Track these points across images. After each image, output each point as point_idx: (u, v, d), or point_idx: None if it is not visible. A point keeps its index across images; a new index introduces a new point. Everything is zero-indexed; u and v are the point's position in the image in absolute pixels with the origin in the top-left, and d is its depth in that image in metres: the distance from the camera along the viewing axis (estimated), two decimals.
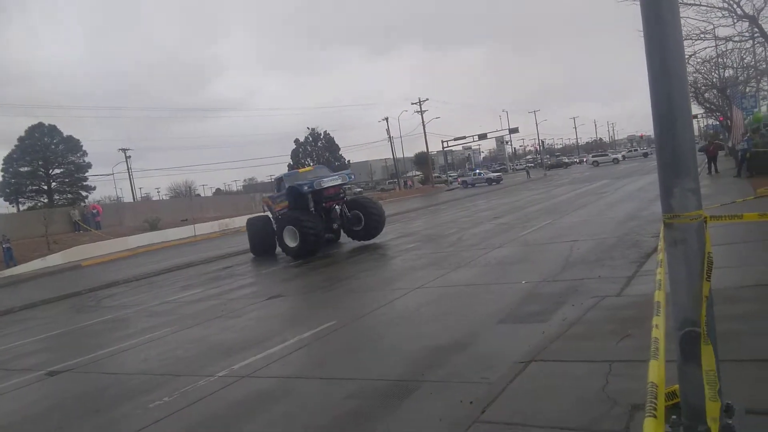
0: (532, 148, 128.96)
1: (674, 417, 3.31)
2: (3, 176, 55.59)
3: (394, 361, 6.35)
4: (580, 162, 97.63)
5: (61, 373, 8.14)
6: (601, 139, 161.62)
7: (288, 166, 74.49)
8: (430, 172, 78.74)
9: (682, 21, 19.00)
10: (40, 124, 57.17)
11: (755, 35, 21.55)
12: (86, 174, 59.95)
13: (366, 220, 18.70)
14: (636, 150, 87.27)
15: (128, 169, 61.78)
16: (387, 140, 76.06)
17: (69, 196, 58.30)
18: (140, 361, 8.20)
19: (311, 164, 78.16)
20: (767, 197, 11.36)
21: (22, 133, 56.48)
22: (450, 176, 78.67)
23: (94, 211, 43.51)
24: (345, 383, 5.86)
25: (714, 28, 20.07)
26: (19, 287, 22.79)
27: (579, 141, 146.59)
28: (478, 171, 70.77)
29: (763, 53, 26.62)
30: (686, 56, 20.94)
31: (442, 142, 74.90)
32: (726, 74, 30.44)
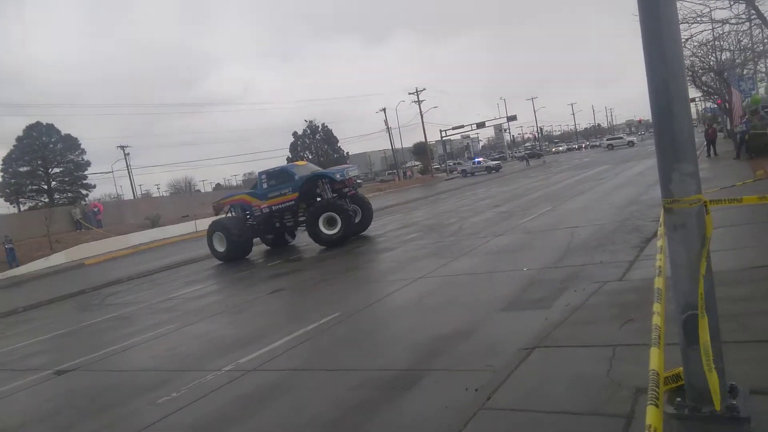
0: (530, 136, 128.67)
1: (679, 399, 3.35)
2: (3, 177, 55.59)
3: (399, 351, 6.40)
4: (579, 148, 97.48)
5: (68, 372, 8.19)
6: (599, 124, 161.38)
7: (287, 159, 74.37)
8: (429, 162, 78.65)
9: (679, 4, 18.95)
10: (38, 124, 57.10)
11: (752, 17, 21.42)
12: (86, 172, 59.97)
13: (363, 213, 19.33)
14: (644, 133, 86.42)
15: (127, 167, 61.77)
16: (385, 131, 76.00)
17: (69, 195, 58.30)
18: (147, 357, 8.26)
19: (310, 157, 78.11)
20: (766, 180, 11.39)
21: (20, 133, 56.44)
22: (450, 165, 78.54)
23: (95, 210, 43.56)
24: (351, 374, 5.91)
25: (711, 10, 19.94)
26: (22, 287, 22.85)
27: (577, 127, 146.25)
28: (477, 160, 70.67)
29: (760, 35, 26.54)
30: (683, 40, 20.90)
31: (441, 131, 74.76)
32: (723, 57, 30.28)
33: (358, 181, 78.81)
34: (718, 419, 3.13)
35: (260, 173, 19.70)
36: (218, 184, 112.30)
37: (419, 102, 71.35)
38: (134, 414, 5.89)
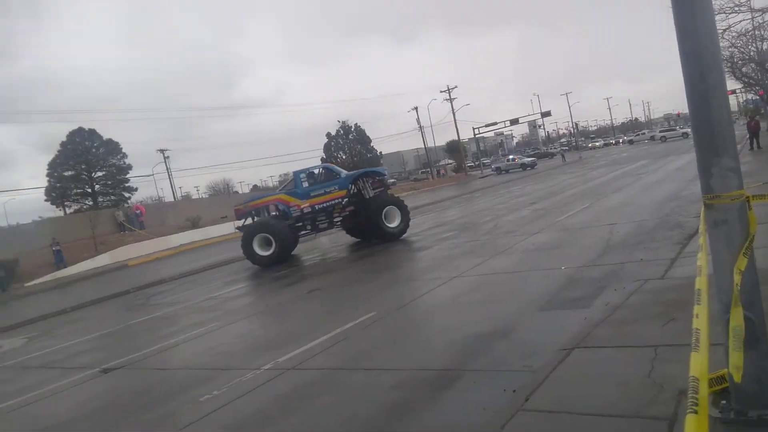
0: (565, 131, 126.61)
1: (724, 402, 3.27)
2: (49, 181, 57.43)
3: (436, 350, 6.40)
4: (616, 143, 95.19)
5: (114, 370, 8.46)
6: (636, 118, 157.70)
7: (321, 159, 74.91)
8: (463, 160, 78.15)
9: None
10: (80, 129, 58.82)
11: None
12: (127, 176, 61.52)
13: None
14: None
15: (167, 169, 63.17)
16: (417, 130, 75.82)
17: (112, 197, 59.90)
18: (189, 356, 8.46)
19: (343, 157, 78.46)
20: None
21: (64, 139, 58.28)
22: (484, 162, 77.86)
23: (138, 212, 44.75)
24: (388, 374, 5.94)
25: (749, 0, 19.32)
26: (69, 288, 23.65)
27: (614, 122, 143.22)
28: (511, 156, 69.89)
29: None
30: (721, 30, 20.20)
31: (474, 128, 74.16)
32: (764, 47, 29.25)
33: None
34: (765, 423, 3.05)
35: (298, 172, 19.40)
36: (255, 185, 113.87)
37: (451, 100, 70.97)
38: (177, 412, 6.05)
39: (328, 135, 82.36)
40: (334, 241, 20.64)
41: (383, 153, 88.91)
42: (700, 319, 2.11)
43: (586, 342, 5.34)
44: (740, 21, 22.57)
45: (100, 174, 60.30)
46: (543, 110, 76.77)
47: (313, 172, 19.23)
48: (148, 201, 74.67)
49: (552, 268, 9.37)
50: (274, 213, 18.64)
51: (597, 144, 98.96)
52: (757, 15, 21.88)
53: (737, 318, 2.69)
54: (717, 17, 19.94)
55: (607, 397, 4.07)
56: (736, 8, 19.70)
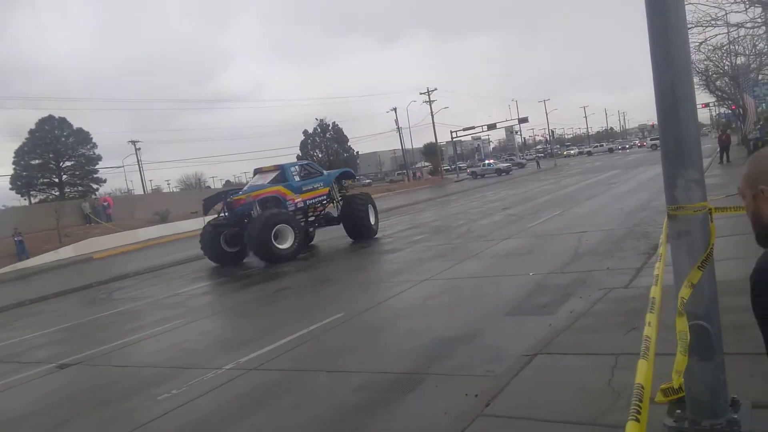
0: (542, 138, 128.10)
1: (679, 411, 3.29)
2: (14, 169, 55.99)
3: (401, 353, 6.36)
4: (590, 153, 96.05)
5: (71, 365, 8.22)
6: (611, 128, 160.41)
7: (297, 156, 74.48)
8: (439, 163, 78.46)
9: (693, 7, 18.66)
10: (50, 117, 57.48)
11: None
12: (96, 166, 60.31)
13: None
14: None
15: (138, 162, 62.19)
16: (395, 131, 75.91)
17: (80, 188, 58.67)
18: (150, 353, 8.27)
19: (319, 155, 78.12)
20: None
21: (33, 126, 56.88)
22: (460, 166, 78.23)
23: (105, 204, 43.85)
24: (351, 376, 5.88)
25: (726, 13, 19.73)
26: (30, 280, 23.03)
27: (590, 130, 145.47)
28: (487, 162, 70.39)
29: None
30: (697, 43, 20.33)
31: (451, 132, 74.52)
32: (738, 61, 29.93)
33: (367, 181, 78.71)
34: None
35: (289, 165, 18.63)
36: (228, 181, 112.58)
37: (430, 102, 71.25)
38: (134, 410, 5.89)
39: (305, 133, 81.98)
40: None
41: (360, 153, 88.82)
42: (652, 327, 2.11)
43: (549, 348, 5.35)
44: (716, 35, 23.10)
45: (68, 164, 59.04)
46: (520, 116, 77.57)
47: (302, 166, 18.90)
48: (117, 193, 73.37)
49: (520, 274, 9.42)
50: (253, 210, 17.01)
51: (572, 152, 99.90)
52: (732, 29, 22.40)
53: (682, 324, 2.71)
54: (694, 30, 20.35)
55: (566, 404, 4.07)
56: (713, 22, 20.13)
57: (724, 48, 26.77)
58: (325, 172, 18.96)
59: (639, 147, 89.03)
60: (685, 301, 3.03)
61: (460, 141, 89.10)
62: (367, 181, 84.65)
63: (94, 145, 59.62)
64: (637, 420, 1.49)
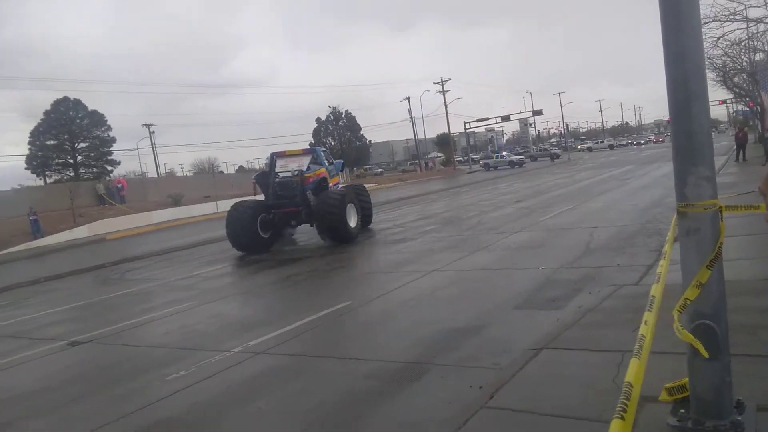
0: (556, 131, 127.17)
1: (682, 411, 3.29)
2: (30, 149, 56.59)
3: (408, 343, 6.39)
4: (553, 157, 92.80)
5: (83, 343, 8.35)
6: (627, 122, 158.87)
7: (309, 144, 74.50)
8: (452, 154, 78.20)
9: (712, 1, 18.32)
10: (65, 98, 57.92)
11: None
12: (111, 149, 60.82)
13: None
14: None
15: (152, 145, 62.66)
16: (408, 120, 75.67)
17: (94, 170, 59.25)
18: (160, 334, 8.38)
19: (332, 143, 78.04)
20: None
21: (48, 107, 57.35)
22: (473, 157, 77.82)
23: (119, 186, 44.23)
24: (358, 363, 5.93)
25: (745, 8, 19.36)
26: (45, 258, 23.34)
27: (605, 125, 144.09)
28: (500, 154, 70.03)
29: None
30: (715, 38, 19.90)
31: (465, 123, 74.25)
32: (756, 58, 29.42)
33: (379, 170, 78.39)
34: None
35: (320, 149, 18.44)
36: (241, 167, 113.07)
37: (444, 92, 70.95)
38: (142, 389, 5.99)
39: (318, 120, 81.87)
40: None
41: (373, 142, 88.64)
42: (648, 325, 2.11)
43: (556, 343, 5.36)
44: (734, 30, 22.70)
45: (83, 145, 59.58)
46: (535, 108, 77.05)
47: (325, 152, 18.76)
48: (131, 176, 73.88)
49: (531, 268, 9.41)
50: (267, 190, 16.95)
51: (587, 145, 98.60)
52: (751, 25, 22.01)
53: (686, 336, 2.71)
54: (712, 24, 20.00)
55: (570, 399, 4.08)
56: (731, 17, 19.77)
57: (743, 43, 26.29)
58: (335, 161, 18.93)
59: (655, 143, 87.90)
60: (689, 302, 3.02)
61: (474, 132, 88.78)
62: (380, 170, 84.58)
63: (109, 128, 60.13)
64: (622, 418, 1.49)
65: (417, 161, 79.54)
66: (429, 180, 52.31)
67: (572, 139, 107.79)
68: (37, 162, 56.48)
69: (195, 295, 11.01)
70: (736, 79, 34.71)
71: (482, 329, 6.48)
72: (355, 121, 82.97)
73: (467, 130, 77.72)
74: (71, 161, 58.58)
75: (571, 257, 9.77)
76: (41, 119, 57.04)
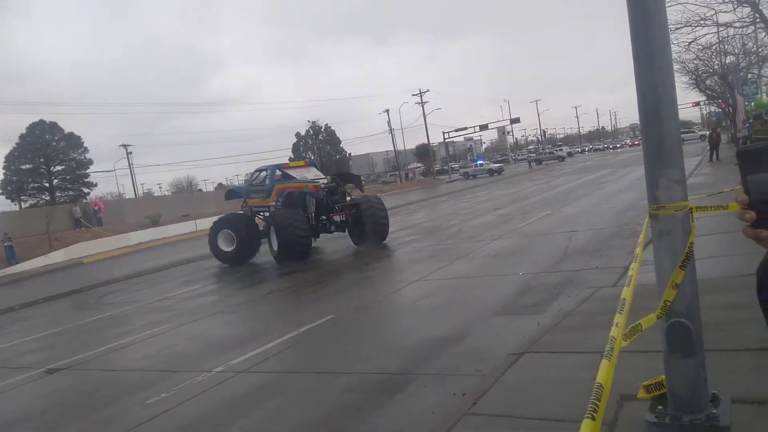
0: (533, 138, 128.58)
1: (660, 407, 3.32)
2: (5, 174, 55.64)
3: (391, 354, 6.38)
4: (583, 151, 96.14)
5: (60, 370, 8.18)
6: (603, 127, 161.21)
7: (289, 159, 74.28)
8: (432, 164, 78.56)
9: (682, 7, 18.78)
10: (41, 122, 57.14)
11: (756, 20, 21.39)
12: (88, 170, 60.02)
13: None
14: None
15: (129, 165, 61.84)
16: (388, 132, 75.96)
17: (71, 193, 58.34)
18: (139, 357, 8.24)
19: (312, 157, 78.01)
20: None
21: (23, 131, 56.50)
22: (453, 167, 78.39)
23: (96, 208, 43.66)
24: (341, 377, 5.89)
25: (715, 13, 19.92)
26: (20, 285, 22.87)
27: (581, 130, 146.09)
28: (479, 162, 70.50)
29: (765, 38, 26.41)
30: (687, 43, 20.44)
31: (443, 133, 74.69)
32: (727, 60, 30.18)
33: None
34: (698, 428, 3.10)
35: (313, 161, 18.93)
36: (220, 184, 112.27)
37: (422, 104, 71.36)
38: (122, 414, 5.88)
39: (298, 135, 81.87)
40: None
41: (353, 154, 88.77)
42: (619, 328, 2.14)
43: (537, 347, 5.38)
44: (706, 34, 23.29)
45: (59, 168, 58.71)
46: (512, 117, 77.81)
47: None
48: (108, 197, 72.98)
49: (510, 274, 9.46)
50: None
51: (561, 153, 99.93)
52: (722, 29, 22.61)
53: (649, 322, 2.75)
54: (684, 29, 20.50)
55: (552, 402, 4.10)
56: (702, 21, 20.28)
57: (714, 47, 27.02)
58: None
59: (630, 146, 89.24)
60: (669, 303, 3.06)
61: (453, 142, 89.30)
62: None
63: (86, 149, 59.37)
64: (593, 418, 1.51)
65: (397, 172, 79.74)
66: (409, 191, 52.45)
67: (550, 146, 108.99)
68: (12, 187, 55.52)
69: (173, 316, 10.87)
70: (708, 82, 35.56)
71: (464, 337, 6.49)
72: (335, 134, 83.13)
73: (446, 140, 78.18)
74: (47, 185, 57.68)
75: (550, 262, 9.85)
76: (16, 143, 56.16)
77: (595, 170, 37.48)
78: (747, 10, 19.83)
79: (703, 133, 66.87)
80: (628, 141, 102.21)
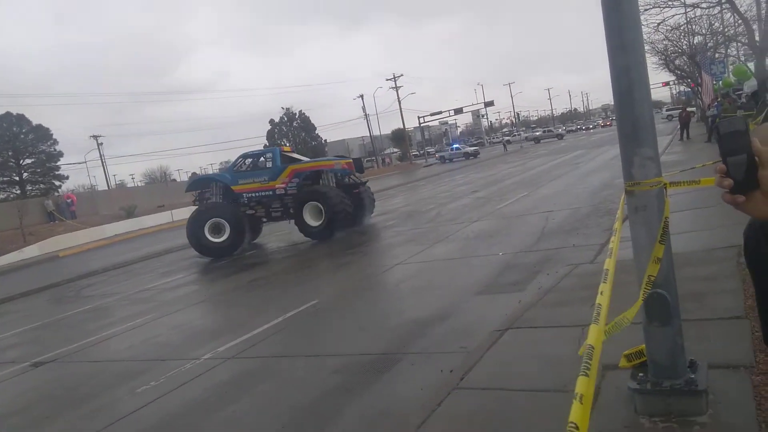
0: (508, 121, 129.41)
1: (641, 375, 3.49)
2: None
3: (376, 336, 6.50)
4: (559, 137, 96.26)
5: (46, 363, 8.14)
6: (575, 109, 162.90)
7: (264, 146, 73.75)
8: (408, 149, 78.68)
9: None
10: (8, 114, 55.64)
11: (722, 1, 21.82)
12: (58, 163, 58.79)
13: None
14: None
15: (101, 157, 60.92)
16: (363, 118, 75.77)
17: (42, 186, 57.14)
18: (125, 348, 8.24)
19: (287, 145, 77.49)
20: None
21: None
22: (428, 151, 78.64)
23: (69, 201, 42.85)
24: (329, 360, 5.99)
25: None
26: None
27: (554, 112, 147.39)
28: (455, 146, 70.81)
29: (731, 19, 26.94)
30: (655, 24, 20.86)
31: (419, 117, 74.75)
32: (695, 41, 30.71)
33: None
34: (677, 392, 3.28)
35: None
36: (194, 173, 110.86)
37: (396, 88, 71.23)
38: (113, 404, 5.90)
39: (272, 122, 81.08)
40: (273, 229, 20.40)
41: (328, 141, 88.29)
42: (604, 296, 2.27)
43: (519, 323, 5.55)
44: (673, 15, 23.69)
45: (28, 161, 57.37)
46: (486, 100, 78.17)
47: None
48: (80, 189, 71.57)
49: (490, 255, 9.64)
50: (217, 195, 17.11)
51: (536, 134, 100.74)
52: (689, 9, 23.02)
53: (634, 310, 2.89)
54: (652, 11, 20.82)
55: (536, 374, 4.26)
56: (670, 2, 20.63)
57: (682, 28, 27.49)
58: None
59: (603, 127, 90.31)
60: (653, 278, 3.21)
61: (428, 126, 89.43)
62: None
63: (55, 142, 58.06)
64: (587, 375, 1.63)
65: (373, 158, 79.70)
66: (386, 176, 52.51)
67: (524, 128, 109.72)
68: None
69: (156, 306, 10.84)
70: (677, 62, 36.14)
71: (448, 317, 6.63)
72: (310, 121, 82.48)
73: (421, 125, 78.27)
74: (17, 179, 56.37)
75: (529, 241, 10.05)
76: None
77: (569, 151, 37.98)
78: None
79: (669, 113, 67.90)
80: (600, 122, 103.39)
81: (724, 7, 22.48)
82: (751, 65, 24.42)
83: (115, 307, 11.85)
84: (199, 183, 18.53)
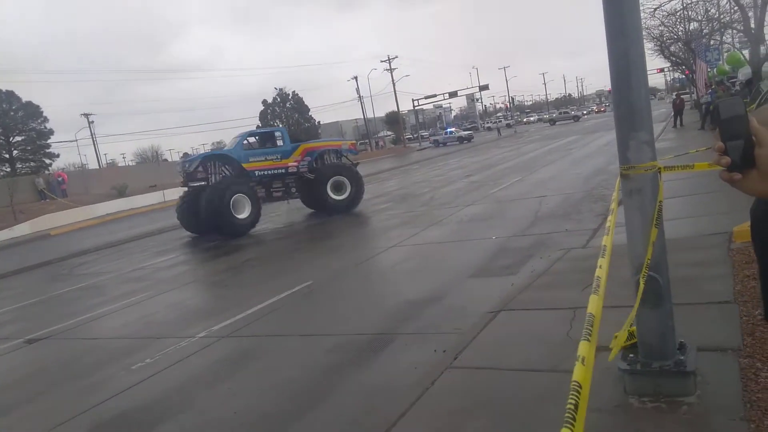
0: (502, 105, 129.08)
1: (631, 356, 3.57)
2: None
3: (371, 316, 6.57)
4: (551, 121, 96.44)
5: (40, 340, 8.17)
6: (570, 94, 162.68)
7: (257, 127, 73.20)
8: (402, 132, 78.43)
9: None
10: None
11: None
12: (49, 141, 58.20)
13: None
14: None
15: (92, 135, 60.33)
16: (357, 100, 75.35)
17: (32, 164, 56.62)
18: (120, 325, 8.28)
19: (280, 126, 76.99)
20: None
21: None
22: (423, 135, 78.42)
23: (60, 179, 42.51)
24: (323, 339, 6.05)
25: None
26: None
27: (548, 97, 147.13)
28: (449, 130, 70.67)
29: (727, 5, 26.92)
30: (652, 9, 20.86)
31: (413, 100, 74.44)
32: (691, 27, 30.70)
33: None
34: (666, 373, 3.36)
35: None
36: (186, 153, 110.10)
37: (391, 70, 70.83)
38: (108, 380, 5.95)
39: (264, 102, 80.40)
40: (267, 211, 20.40)
41: (322, 123, 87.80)
42: (602, 269, 2.34)
43: (512, 305, 5.63)
44: (670, 1, 23.66)
45: (18, 139, 56.76)
46: (481, 84, 77.80)
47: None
48: (71, 168, 70.98)
49: (484, 238, 9.71)
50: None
51: (531, 119, 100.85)
52: None
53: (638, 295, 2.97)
54: None
55: (528, 354, 4.34)
56: None
57: (678, 14, 27.45)
58: None
59: (597, 113, 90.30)
60: (649, 261, 3.28)
61: (422, 109, 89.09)
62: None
63: (45, 119, 57.38)
64: (588, 340, 1.69)
65: (367, 141, 79.43)
66: (380, 159, 52.45)
67: (518, 113, 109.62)
68: None
69: (150, 285, 10.87)
70: (672, 48, 36.12)
71: (441, 299, 6.70)
72: (303, 102, 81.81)
73: (416, 108, 77.96)
74: (7, 156, 55.81)
75: (522, 226, 10.12)
76: None
77: (563, 137, 38.03)
78: None
79: (660, 98, 67.71)
80: (594, 107, 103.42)
81: None
82: (746, 53, 24.45)
83: (109, 285, 11.86)
84: (210, 157, 17.37)
